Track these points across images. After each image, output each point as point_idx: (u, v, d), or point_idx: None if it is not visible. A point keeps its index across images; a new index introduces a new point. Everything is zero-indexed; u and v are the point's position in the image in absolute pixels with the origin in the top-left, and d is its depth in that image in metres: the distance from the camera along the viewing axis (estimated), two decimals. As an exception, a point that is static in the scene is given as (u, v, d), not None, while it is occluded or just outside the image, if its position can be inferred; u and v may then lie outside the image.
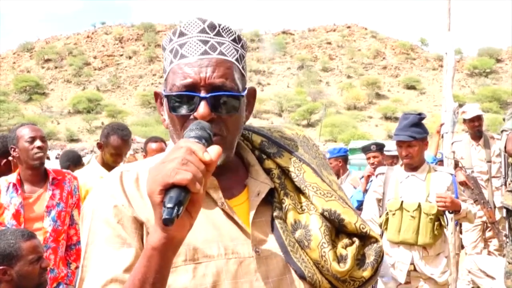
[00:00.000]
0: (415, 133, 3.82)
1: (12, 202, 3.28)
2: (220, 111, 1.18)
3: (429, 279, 3.82)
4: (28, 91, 78.66)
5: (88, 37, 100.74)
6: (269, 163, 1.31)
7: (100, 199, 1.21)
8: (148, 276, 1.01)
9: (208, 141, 1.07)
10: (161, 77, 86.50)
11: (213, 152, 0.99)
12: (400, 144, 3.90)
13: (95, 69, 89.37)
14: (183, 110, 1.19)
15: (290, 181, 1.30)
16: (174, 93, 1.18)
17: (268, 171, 1.30)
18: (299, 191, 1.29)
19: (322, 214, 1.25)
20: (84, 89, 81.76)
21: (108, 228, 1.16)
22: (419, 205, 3.75)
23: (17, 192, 3.30)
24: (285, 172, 1.30)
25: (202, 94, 1.16)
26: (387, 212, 3.89)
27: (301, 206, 1.27)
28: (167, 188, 0.94)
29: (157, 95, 1.30)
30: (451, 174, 3.99)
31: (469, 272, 5.62)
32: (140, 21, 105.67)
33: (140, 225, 1.17)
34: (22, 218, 3.26)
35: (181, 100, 1.18)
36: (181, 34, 1.22)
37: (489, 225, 6.17)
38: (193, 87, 1.17)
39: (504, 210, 4.53)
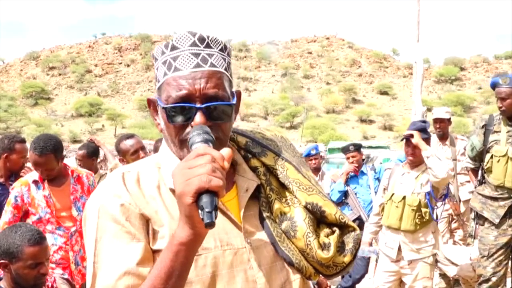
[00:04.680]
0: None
1: (42, 194, 3.39)
2: (214, 119, 1.18)
3: (414, 260, 4.11)
4: (34, 96, 77.97)
5: (89, 46, 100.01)
6: (254, 162, 1.31)
7: (105, 199, 1.18)
8: (174, 269, 1.03)
9: (213, 144, 1.08)
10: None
11: (227, 157, 1.02)
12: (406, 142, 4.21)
13: (96, 76, 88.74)
14: (180, 120, 1.17)
15: (274, 178, 1.30)
16: (171, 105, 1.16)
17: (254, 169, 1.30)
18: (283, 186, 1.30)
19: (305, 207, 1.26)
20: (86, 95, 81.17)
21: (116, 225, 1.14)
22: (404, 198, 4.08)
23: (43, 186, 3.42)
24: (269, 170, 1.31)
25: (198, 104, 1.16)
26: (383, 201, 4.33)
27: (286, 200, 1.28)
28: (199, 193, 0.96)
29: (150, 102, 1.28)
30: None
31: (436, 260, 5.65)
32: (138, 32, 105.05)
33: (146, 221, 1.16)
34: (53, 206, 3.40)
35: (178, 111, 1.17)
36: (173, 48, 1.20)
37: (454, 217, 6.22)
38: (188, 98, 1.16)
39: (474, 213, 4.56)
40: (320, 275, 1.29)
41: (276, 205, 1.26)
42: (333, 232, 1.27)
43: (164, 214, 1.17)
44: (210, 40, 1.21)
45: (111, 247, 1.13)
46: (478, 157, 4.49)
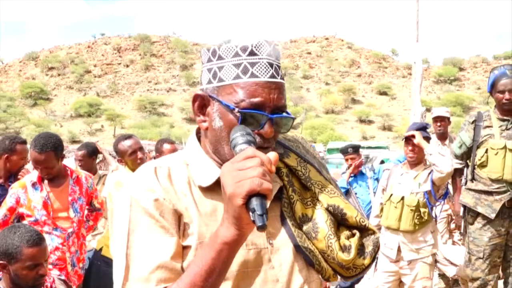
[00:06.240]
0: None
1: (40, 196, 3.38)
2: (279, 129, 1.23)
3: (413, 260, 4.14)
4: (33, 96, 78.01)
5: (88, 47, 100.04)
6: (278, 163, 1.29)
7: (139, 192, 1.18)
8: (215, 267, 1.04)
9: (255, 145, 1.10)
10: (156, 83, 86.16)
11: (274, 160, 1.03)
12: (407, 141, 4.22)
13: (95, 77, 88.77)
14: (250, 125, 1.18)
15: (297, 179, 1.32)
16: (248, 111, 1.17)
17: (277, 170, 1.30)
18: (305, 188, 1.31)
19: (327, 209, 1.28)
20: (85, 95, 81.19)
21: (150, 219, 1.15)
22: (402, 198, 4.10)
23: (41, 187, 3.41)
24: (292, 171, 1.32)
25: (270, 114, 1.19)
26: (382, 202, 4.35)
27: (308, 202, 1.29)
28: (250, 195, 0.97)
29: (197, 97, 1.25)
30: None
31: (436, 260, 5.65)
32: (137, 32, 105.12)
33: (178, 217, 1.17)
34: (50, 208, 3.38)
35: (250, 116, 1.18)
36: (252, 53, 1.20)
37: (453, 217, 6.21)
38: (261, 106, 1.18)
39: (462, 208, 4.50)
40: (339, 276, 1.30)
41: (298, 207, 1.28)
42: (353, 235, 1.28)
43: (194, 211, 1.18)
44: (278, 53, 1.24)
45: (145, 240, 1.14)
46: (466, 154, 4.36)
